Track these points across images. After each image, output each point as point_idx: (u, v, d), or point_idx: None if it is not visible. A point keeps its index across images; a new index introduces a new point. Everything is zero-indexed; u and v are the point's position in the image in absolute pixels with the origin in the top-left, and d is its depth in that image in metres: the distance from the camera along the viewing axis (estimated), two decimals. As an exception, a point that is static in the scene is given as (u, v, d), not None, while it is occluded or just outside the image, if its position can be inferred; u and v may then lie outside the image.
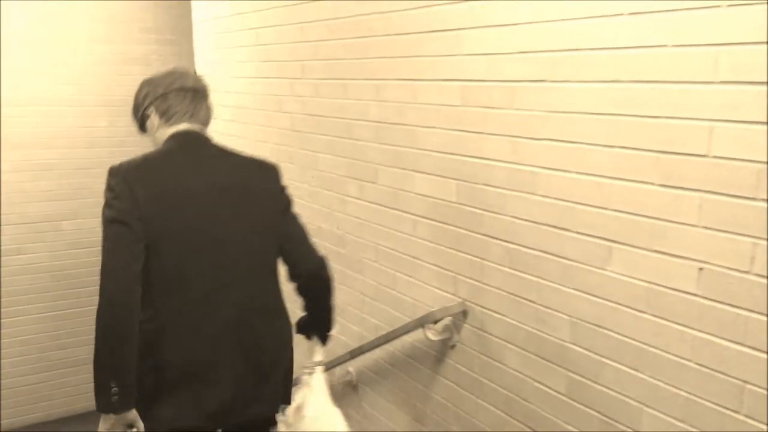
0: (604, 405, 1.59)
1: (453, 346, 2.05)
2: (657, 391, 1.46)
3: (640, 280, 1.47)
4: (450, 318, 2.03)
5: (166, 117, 1.78)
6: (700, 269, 1.35)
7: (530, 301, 1.76)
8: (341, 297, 2.58)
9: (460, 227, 1.98)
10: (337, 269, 2.58)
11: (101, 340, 1.66)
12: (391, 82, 2.21)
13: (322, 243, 2.68)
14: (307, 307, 1.90)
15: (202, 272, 1.68)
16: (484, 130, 1.84)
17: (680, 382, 1.41)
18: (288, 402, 1.90)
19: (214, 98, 3.45)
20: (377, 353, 2.42)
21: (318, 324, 1.93)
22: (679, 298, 1.40)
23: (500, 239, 1.83)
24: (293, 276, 1.84)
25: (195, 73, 1.93)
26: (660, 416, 1.46)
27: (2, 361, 4.66)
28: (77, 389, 4.92)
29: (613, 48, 1.48)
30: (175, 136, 1.76)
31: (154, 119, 1.79)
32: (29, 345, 4.70)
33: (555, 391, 1.72)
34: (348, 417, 2.61)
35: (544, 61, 1.64)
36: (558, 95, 1.61)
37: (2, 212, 4.50)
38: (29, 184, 4.58)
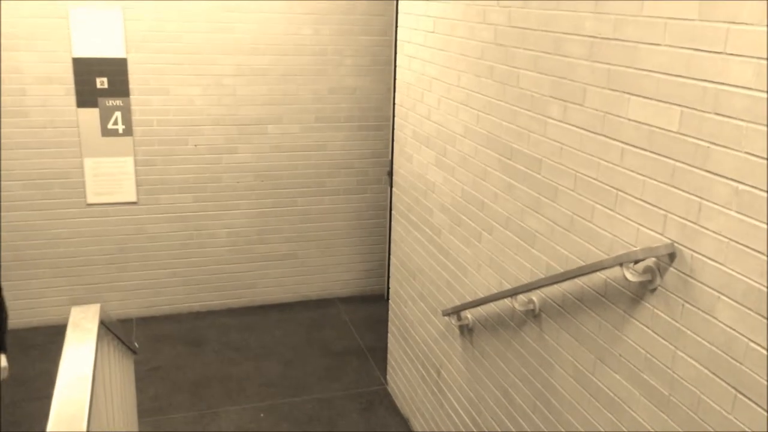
0: (839, 382, 1.36)
1: (653, 290, 1.88)
2: None
3: None
4: (654, 259, 1.85)
5: None
6: None
7: (758, 251, 1.53)
8: (532, 223, 2.47)
9: (678, 160, 1.76)
10: (529, 194, 2.47)
11: None
12: (612, -9, 1.97)
13: (515, 165, 2.57)
14: None
15: None
16: (725, 50, 1.58)
17: None
18: None
19: (417, 8, 3.34)
20: (565, 286, 2.30)
21: None
22: None
23: (729, 178, 1.60)
24: None
25: None
26: None
27: (214, 249, 5.21)
28: (277, 281, 5.40)
29: None
30: None
31: None
32: (237, 237, 5.19)
33: (774, 355, 1.51)
34: (526, 346, 2.57)
35: (818, -36, 1.34)
36: (832, 8, 1.31)
37: (221, 113, 4.90)
38: (243, 88, 4.90)
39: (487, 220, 2.83)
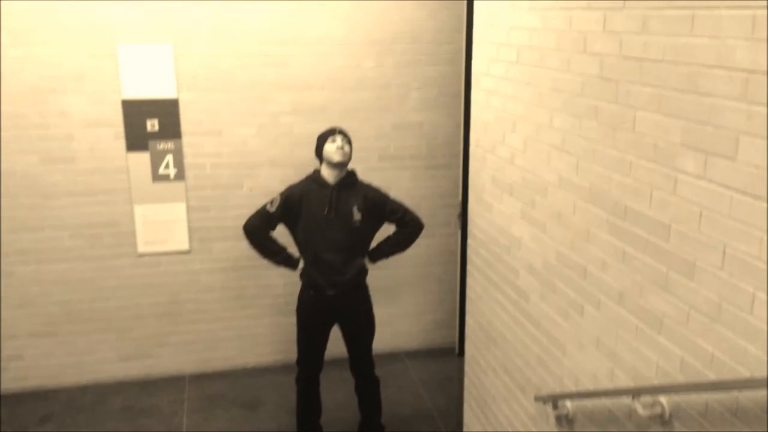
0: None
1: None
2: None
3: None
4: None
5: None
6: None
7: None
8: (657, 304, 1.95)
9: None
10: (652, 267, 1.95)
11: None
12: (782, 10, 1.47)
13: (630, 228, 2.06)
14: None
15: None
16: None
17: None
18: None
19: (496, 36, 2.83)
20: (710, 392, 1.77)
21: None
22: None
23: None
24: None
25: None
26: None
27: (271, 300, 4.80)
28: (337, 334, 4.91)
29: None
30: None
31: None
32: (295, 286, 4.74)
33: None
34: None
35: None
36: None
37: (277, 154, 4.53)
38: (301, 127, 4.54)
39: (592, 291, 2.32)
